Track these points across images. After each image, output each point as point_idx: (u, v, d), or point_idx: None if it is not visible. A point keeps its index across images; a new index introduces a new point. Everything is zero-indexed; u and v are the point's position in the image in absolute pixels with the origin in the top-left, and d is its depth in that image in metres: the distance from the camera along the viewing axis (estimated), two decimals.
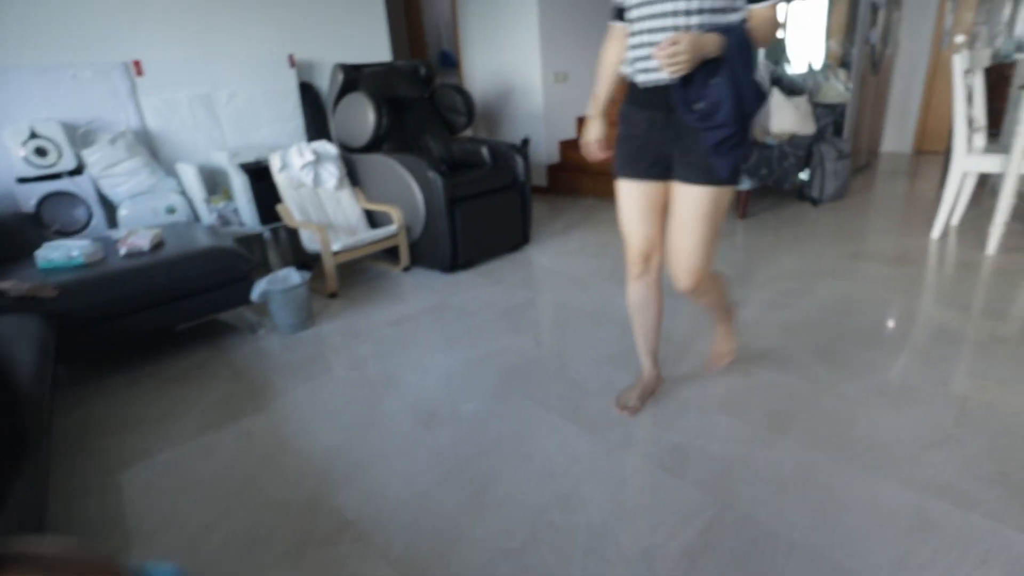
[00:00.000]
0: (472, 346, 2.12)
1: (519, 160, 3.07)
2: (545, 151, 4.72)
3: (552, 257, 3.08)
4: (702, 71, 1.16)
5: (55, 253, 2.19)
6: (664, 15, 1.20)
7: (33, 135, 2.63)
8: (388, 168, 2.94)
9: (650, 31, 1.24)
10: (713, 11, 1.18)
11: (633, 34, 1.30)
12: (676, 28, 1.19)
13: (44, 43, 2.75)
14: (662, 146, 1.33)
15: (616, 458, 1.45)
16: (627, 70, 1.37)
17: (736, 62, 1.14)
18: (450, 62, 6.92)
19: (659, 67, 1.15)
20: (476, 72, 5.02)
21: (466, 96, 3.48)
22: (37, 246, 2.54)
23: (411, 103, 3.40)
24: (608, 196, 4.31)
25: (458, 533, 1.24)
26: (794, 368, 1.80)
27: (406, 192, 2.88)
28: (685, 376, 1.80)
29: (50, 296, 1.95)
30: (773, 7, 1.20)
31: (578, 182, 4.55)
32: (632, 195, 1.44)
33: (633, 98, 1.36)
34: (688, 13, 1.18)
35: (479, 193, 2.92)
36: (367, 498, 1.38)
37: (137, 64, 2.95)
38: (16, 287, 1.94)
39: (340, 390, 1.90)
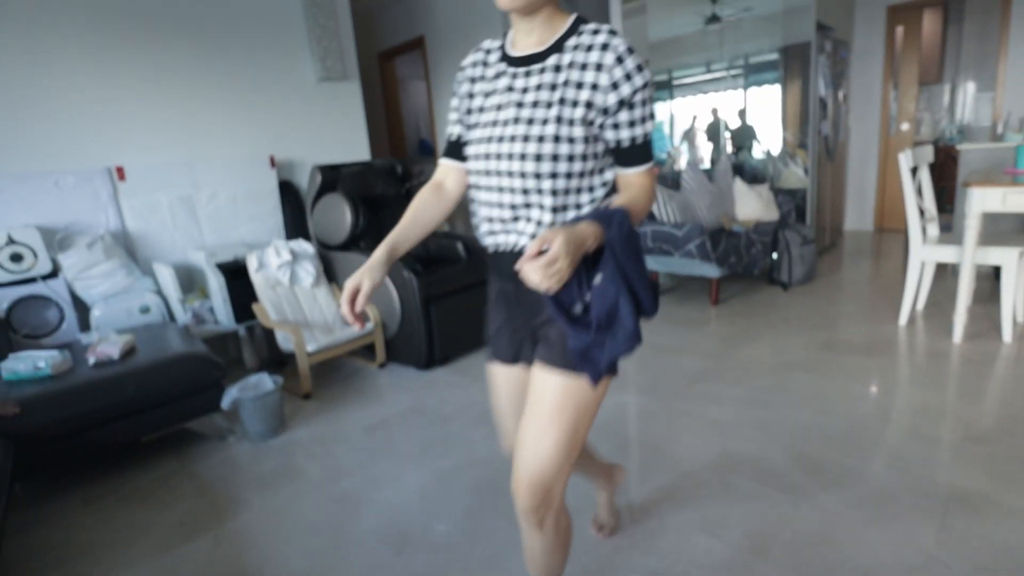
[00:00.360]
0: (446, 456, 2.07)
1: None
2: None
3: None
4: (579, 271, 0.87)
5: (20, 365, 2.14)
6: (511, 174, 0.93)
7: (10, 241, 2.63)
8: None
9: (488, 189, 0.98)
10: (570, 175, 0.93)
11: (472, 186, 1.04)
12: (525, 191, 0.93)
13: (26, 151, 2.81)
14: (522, 320, 1.04)
15: None
16: (473, 221, 1.08)
17: (623, 258, 0.85)
18: (428, 150, 7.23)
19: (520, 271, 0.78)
20: None
21: None
22: (4, 349, 2.49)
23: (388, 200, 3.49)
24: None
25: None
26: (772, 477, 1.78)
27: (382, 290, 2.90)
28: (663, 487, 1.77)
29: (12, 413, 1.89)
30: (652, 173, 0.97)
31: None
32: (499, 381, 1.15)
33: (489, 261, 1.08)
34: (539, 176, 0.91)
35: (454, 290, 2.96)
36: None
37: (120, 170, 3.02)
38: None
39: (309, 508, 1.83)
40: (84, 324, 2.83)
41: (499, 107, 0.97)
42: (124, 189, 3.05)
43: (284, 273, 2.94)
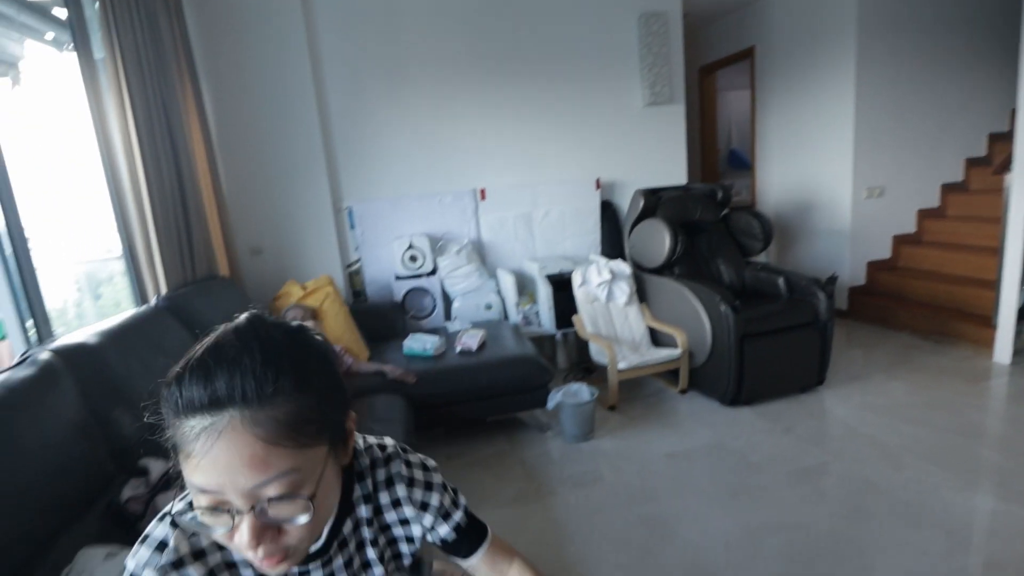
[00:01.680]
0: (754, 509, 2.03)
1: (822, 298, 2.87)
2: (849, 272, 4.28)
3: (853, 410, 2.75)
4: None
5: (415, 344, 2.85)
6: None
7: (410, 246, 3.50)
8: (678, 293, 3.06)
9: None
10: None
11: None
12: None
13: (424, 176, 3.67)
14: None
15: None
16: None
17: None
18: (740, 163, 6.87)
19: None
20: (772, 179, 4.89)
21: (763, 221, 3.43)
22: (400, 327, 3.33)
23: (705, 226, 3.49)
24: (930, 333, 3.68)
25: None
26: None
27: (694, 319, 2.94)
28: None
29: (412, 382, 2.54)
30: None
31: (889, 312, 3.99)
32: None
33: None
34: None
35: (772, 330, 2.82)
36: None
37: (483, 191, 3.71)
38: (392, 371, 2.58)
39: (617, 521, 2.02)
40: (447, 314, 3.59)
41: None
42: (483, 207, 3.74)
43: (602, 291, 3.23)
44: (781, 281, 3.08)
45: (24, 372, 1.34)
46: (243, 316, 0.60)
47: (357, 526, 0.76)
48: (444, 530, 0.83)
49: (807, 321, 2.88)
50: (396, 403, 2.36)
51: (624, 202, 4.00)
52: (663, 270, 3.29)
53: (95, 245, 2.71)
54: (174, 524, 0.62)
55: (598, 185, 3.91)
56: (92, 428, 1.46)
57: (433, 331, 3.21)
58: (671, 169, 4.13)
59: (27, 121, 2.35)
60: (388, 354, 2.87)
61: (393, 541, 0.82)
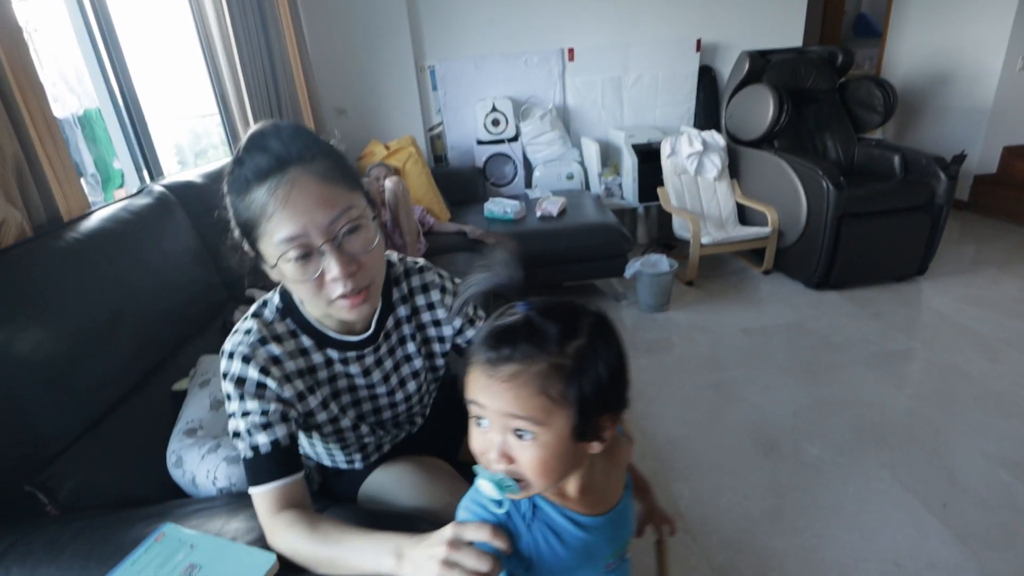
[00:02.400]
0: (829, 385, 2.02)
1: (943, 180, 2.59)
2: (979, 157, 3.79)
3: (953, 301, 2.58)
4: None
5: (496, 208, 2.88)
6: None
7: (493, 108, 3.41)
8: (775, 168, 2.85)
9: None
10: None
11: None
12: None
13: (507, 36, 3.47)
14: None
15: None
16: None
17: None
18: (867, 30, 5.96)
19: None
20: (903, 48, 4.25)
21: (887, 90, 3.04)
22: (480, 193, 3.37)
23: (815, 95, 3.15)
24: None
25: (782, 575, 1.31)
26: None
27: (789, 196, 2.76)
28: None
29: (491, 242, 2.61)
30: None
31: (1021, 206, 3.55)
32: None
33: None
34: None
35: (877, 212, 2.61)
36: (699, 500, 1.54)
37: (571, 51, 3.48)
38: (473, 231, 2.65)
39: (687, 384, 2.08)
40: (527, 183, 3.56)
41: None
42: (570, 69, 3.52)
43: (692, 163, 3.06)
44: (897, 159, 2.79)
45: (143, 200, 1.49)
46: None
47: (398, 324, 0.89)
48: (471, 333, 0.94)
49: (919, 204, 2.63)
50: (475, 261, 2.45)
51: (726, 69, 3.63)
52: (762, 142, 3.05)
53: (195, 105, 2.83)
54: (255, 316, 0.79)
55: (698, 47, 3.55)
56: (204, 257, 1.62)
57: (513, 197, 3.22)
58: (785, 30, 3.65)
59: None
60: (468, 216, 2.93)
61: (428, 340, 0.94)
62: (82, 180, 2.26)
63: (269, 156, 0.66)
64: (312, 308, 0.79)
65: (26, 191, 1.26)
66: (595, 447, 0.57)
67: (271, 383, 0.74)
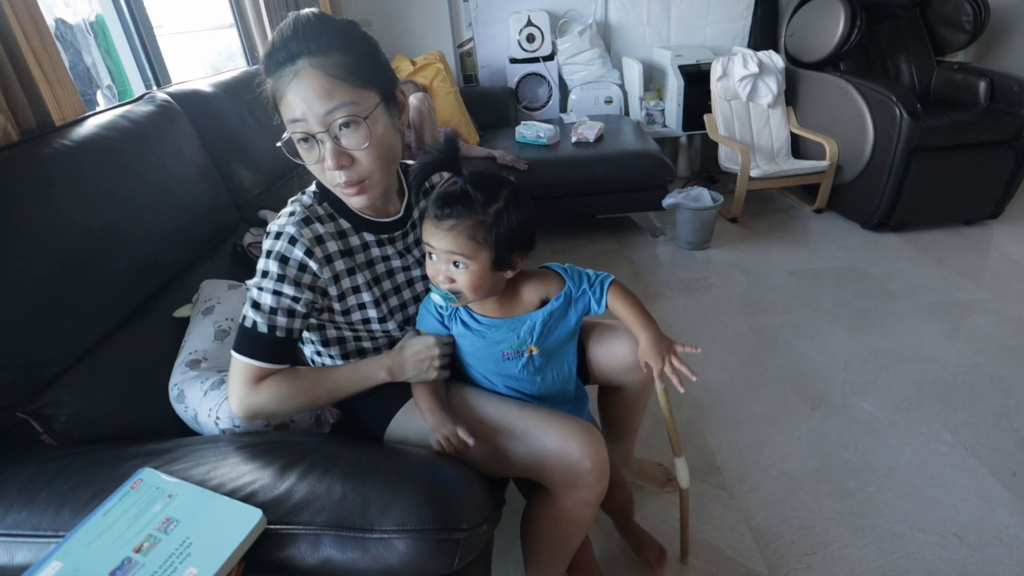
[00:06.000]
0: (884, 335, 1.85)
1: None
2: None
3: None
4: None
5: (528, 131, 2.67)
6: None
7: (529, 22, 3.11)
8: (840, 93, 2.55)
9: None
10: None
11: None
12: None
13: None
14: None
15: None
16: None
17: None
18: None
19: None
20: None
21: (979, 6, 2.65)
22: (512, 116, 3.14)
23: (892, 11, 2.78)
24: None
25: (827, 541, 1.21)
26: None
27: (853, 126, 2.48)
28: None
29: (523, 168, 2.42)
30: None
31: None
32: None
33: None
34: None
35: (954, 145, 2.33)
36: (738, 454, 1.44)
37: None
38: (503, 157, 2.46)
39: (727, 327, 1.94)
40: (562, 107, 3.30)
41: None
42: None
43: (745, 87, 2.77)
44: (983, 85, 2.47)
45: (144, 108, 1.34)
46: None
47: (422, 215, 0.90)
48: None
49: (1003, 138, 2.34)
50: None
51: None
52: (826, 64, 2.72)
53: (209, 16, 2.62)
54: (295, 201, 0.85)
55: None
56: (213, 174, 1.49)
57: (547, 122, 2.99)
58: None
59: None
60: (499, 141, 2.73)
61: None
62: (98, 92, 2.13)
63: (285, 47, 0.73)
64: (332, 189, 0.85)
65: (9, 91, 1.14)
66: (508, 274, 0.85)
67: (313, 264, 0.81)
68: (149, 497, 0.67)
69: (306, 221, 0.81)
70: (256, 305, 0.79)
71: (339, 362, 0.95)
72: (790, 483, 1.35)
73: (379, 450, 0.85)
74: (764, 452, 1.43)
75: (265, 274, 0.80)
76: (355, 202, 0.83)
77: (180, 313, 1.18)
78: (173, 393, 1.03)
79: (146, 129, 1.31)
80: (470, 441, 0.78)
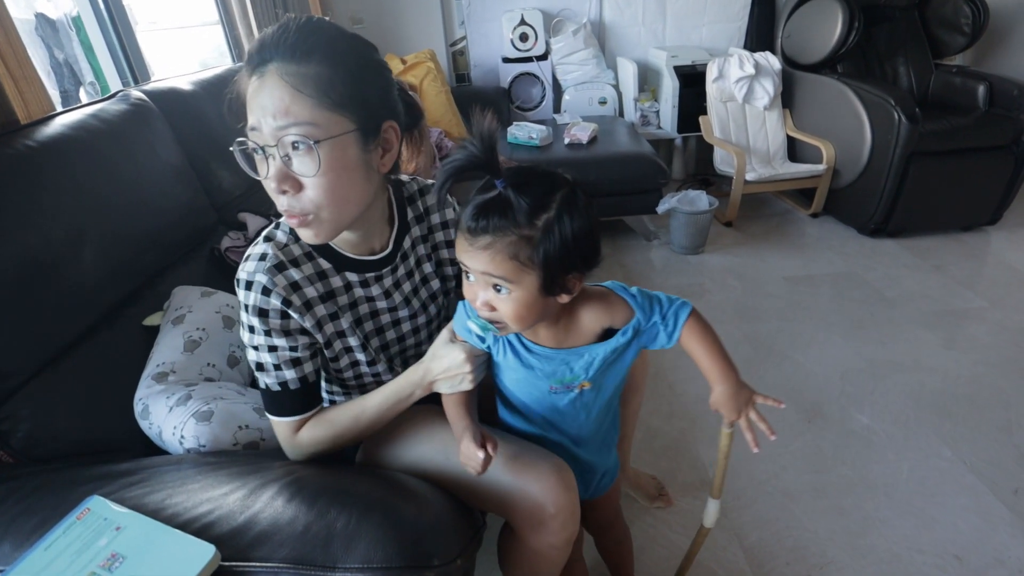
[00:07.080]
0: (882, 344, 1.81)
1: None
2: None
3: None
4: None
5: (520, 132, 2.62)
6: None
7: (522, 21, 3.06)
8: (837, 95, 2.51)
9: None
10: None
11: None
12: None
13: None
14: None
15: None
16: None
17: None
18: None
19: None
20: None
21: (978, 8, 2.62)
22: (504, 116, 3.09)
23: (890, 13, 2.74)
24: None
25: (823, 562, 1.16)
26: None
27: (851, 129, 2.44)
28: None
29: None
30: None
31: None
32: None
33: None
34: None
35: (952, 150, 2.29)
36: (731, 469, 1.38)
37: None
38: None
39: (721, 338, 1.89)
40: (556, 107, 3.25)
41: None
42: None
43: (741, 88, 2.73)
44: (982, 89, 2.43)
45: (116, 106, 1.29)
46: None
47: (414, 244, 0.88)
48: None
49: (1002, 143, 2.30)
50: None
51: None
52: (823, 67, 2.69)
53: (199, 12, 2.56)
54: (268, 239, 0.75)
55: None
56: (189, 175, 1.44)
57: (540, 123, 2.94)
58: None
59: None
60: None
61: (441, 263, 0.93)
62: (81, 89, 2.07)
63: (261, 48, 0.65)
64: None
65: None
66: (564, 299, 0.68)
67: (293, 313, 0.74)
68: (96, 529, 0.62)
69: (279, 268, 0.73)
70: (260, 367, 0.75)
71: (341, 399, 0.90)
72: (784, 500, 1.30)
73: (348, 474, 0.80)
74: (758, 467, 1.39)
75: (252, 329, 0.73)
76: (303, 235, 0.72)
77: (150, 321, 1.13)
78: (138, 408, 0.98)
79: (117, 128, 1.26)
80: (492, 454, 0.70)
